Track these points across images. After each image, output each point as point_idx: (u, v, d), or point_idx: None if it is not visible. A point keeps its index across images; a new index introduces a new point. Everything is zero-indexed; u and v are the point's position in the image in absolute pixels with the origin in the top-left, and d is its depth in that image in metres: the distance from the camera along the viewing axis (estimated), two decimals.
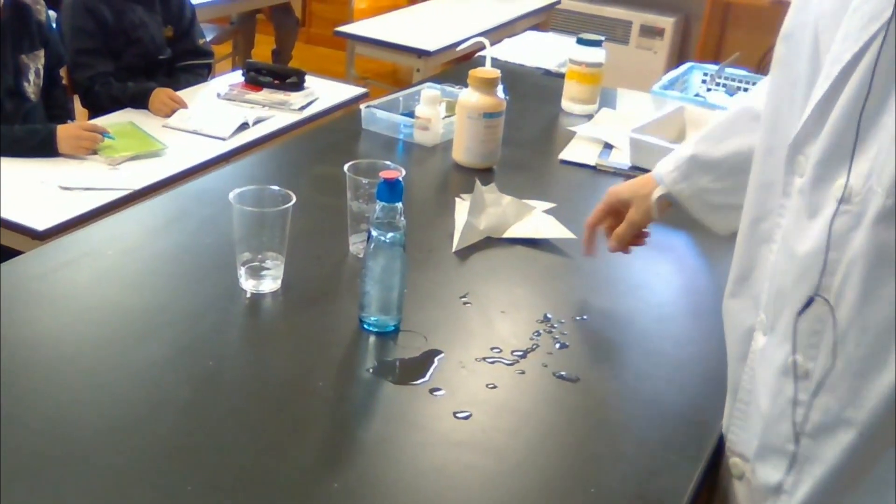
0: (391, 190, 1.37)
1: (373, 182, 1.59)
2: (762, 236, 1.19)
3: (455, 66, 3.82)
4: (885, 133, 0.97)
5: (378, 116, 2.31)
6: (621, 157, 2.18)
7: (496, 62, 2.31)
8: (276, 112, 3.41)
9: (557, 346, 1.45)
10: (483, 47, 2.28)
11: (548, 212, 1.87)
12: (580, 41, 2.55)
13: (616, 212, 1.62)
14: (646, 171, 2.10)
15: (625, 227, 1.60)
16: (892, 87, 0.97)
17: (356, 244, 1.66)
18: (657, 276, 1.73)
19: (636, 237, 1.63)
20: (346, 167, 1.63)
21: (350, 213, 1.65)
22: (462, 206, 1.86)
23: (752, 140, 1.32)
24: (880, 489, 1.05)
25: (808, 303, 1.05)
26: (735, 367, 1.26)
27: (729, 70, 2.73)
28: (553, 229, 1.82)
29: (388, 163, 1.65)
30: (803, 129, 1.07)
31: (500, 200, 1.81)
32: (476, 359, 1.40)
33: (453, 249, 1.73)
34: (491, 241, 1.76)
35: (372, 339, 1.44)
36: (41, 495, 1.08)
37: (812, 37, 1.08)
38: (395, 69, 5.96)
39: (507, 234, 1.79)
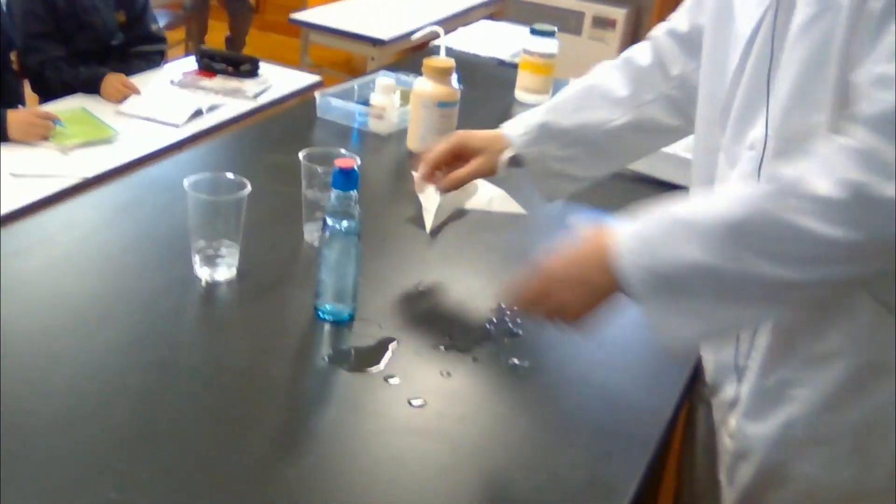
0: (346, 178, 1.38)
1: (328, 170, 1.59)
2: None
3: (409, 55, 3.83)
4: (781, 90, 1.16)
5: (333, 105, 2.31)
6: None
7: (450, 52, 2.32)
8: (229, 99, 3.40)
9: (510, 334, 1.47)
10: (437, 36, 2.29)
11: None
12: (534, 31, 2.57)
13: (459, 155, 1.63)
14: None
15: (468, 173, 1.61)
16: (782, 51, 1.15)
17: (311, 233, 1.67)
18: None
19: None
20: (300, 155, 1.63)
21: (305, 202, 1.66)
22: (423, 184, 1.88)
23: (596, 116, 1.58)
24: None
25: None
26: None
27: None
28: (505, 203, 1.86)
29: (342, 151, 1.66)
30: (726, 97, 1.26)
31: None
32: (430, 346, 1.42)
33: (428, 230, 1.76)
34: (446, 230, 1.78)
35: (327, 327, 1.45)
36: None
37: (732, 21, 1.27)
38: (350, 57, 5.94)
39: (466, 206, 1.83)
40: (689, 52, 1.50)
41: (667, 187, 2.04)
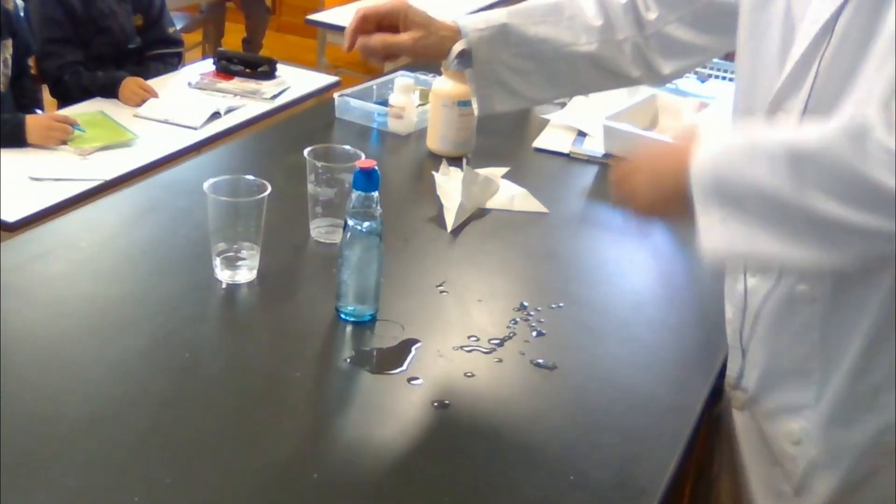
0: (367, 179, 1.36)
1: (327, 166, 1.59)
2: None
3: None
4: (863, 79, 1.09)
5: (352, 105, 2.30)
6: (595, 145, 2.19)
7: None
8: (247, 101, 3.40)
9: (534, 333, 1.45)
10: None
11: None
12: None
13: (394, 23, 1.51)
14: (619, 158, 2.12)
15: (404, 43, 1.50)
16: (866, 39, 1.08)
17: (316, 229, 1.67)
18: (632, 264, 1.74)
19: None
20: (305, 152, 1.62)
21: (310, 198, 1.65)
22: (443, 183, 1.87)
23: (561, 35, 1.49)
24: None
25: None
26: (727, 307, 1.37)
27: None
28: (527, 202, 1.88)
29: (346, 147, 1.66)
30: (783, 87, 1.17)
31: (476, 178, 1.84)
32: (453, 347, 1.40)
33: (449, 229, 1.75)
34: (467, 229, 1.77)
35: (349, 328, 1.44)
36: (18, 491, 1.07)
37: (784, 7, 1.18)
38: None
39: (488, 205, 1.86)
40: (671, 5, 1.47)
41: None
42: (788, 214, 1.04)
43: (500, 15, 1.51)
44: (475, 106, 1.59)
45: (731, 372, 1.38)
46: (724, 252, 1.13)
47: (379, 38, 1.50)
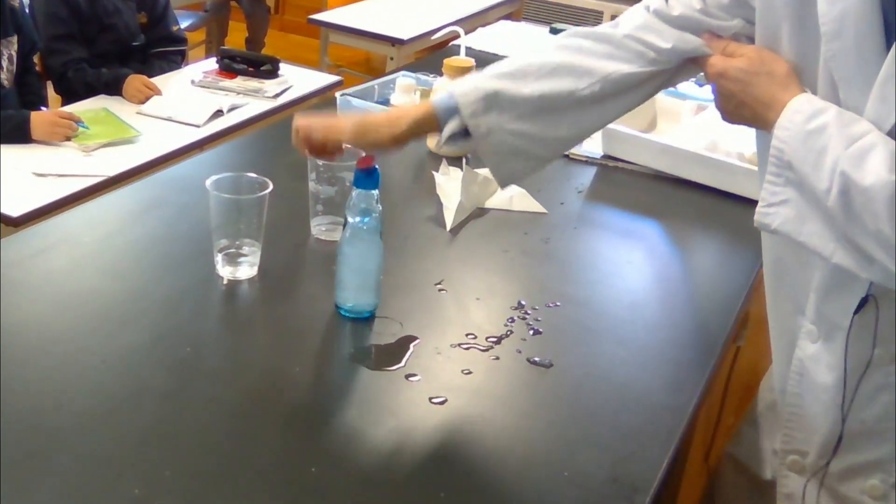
0: (367, 177, 1.38)
1: (328, 164, 1.61)
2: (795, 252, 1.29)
3: (429, 54, 3.83)
4: None
5: (353, 104, 2.31)
6: (593, 146, 2.20)
7: (470, 51, 2.32)
8: (250, 99, 3.42)
9: (531, 332, 1.47)
10: (457, 36, 2.29)
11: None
12: (553, 31, 2.57)
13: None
14: (617, 159, 2.14)
15: (336, 133, 1.46)
16: None
17: (317, 226, 1.69)
18: (629, 264, 1.76)
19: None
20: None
21: (311, 196, 1.67)
22: (443, 182, 1.89)
23: (558, 86, 1.37)
24: None
25: (863, 303, 1.19)
26: (782, 373, 1.37)
27: None
28: (526, 202, 1.90)
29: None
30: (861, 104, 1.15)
31: (476, 178, 1.86)
32: (451, 345, 1.42)
33: (448, 228, 1.76)
34: (466, 229, 1.78)
35: (348, 325, 1.45)
36: (19, 484, 1.08)
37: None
38: (369, 57, 5.96)
39: (487, 205, 1.87)
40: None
41: (700, 189, 2.04)
42: (837, 228, 1.10)
43: (488, 81, 1.41)
44: (497, 180, 1.48)
45: (787, 438, 1.37)
46: (777, 229, 1.17)
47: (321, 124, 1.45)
